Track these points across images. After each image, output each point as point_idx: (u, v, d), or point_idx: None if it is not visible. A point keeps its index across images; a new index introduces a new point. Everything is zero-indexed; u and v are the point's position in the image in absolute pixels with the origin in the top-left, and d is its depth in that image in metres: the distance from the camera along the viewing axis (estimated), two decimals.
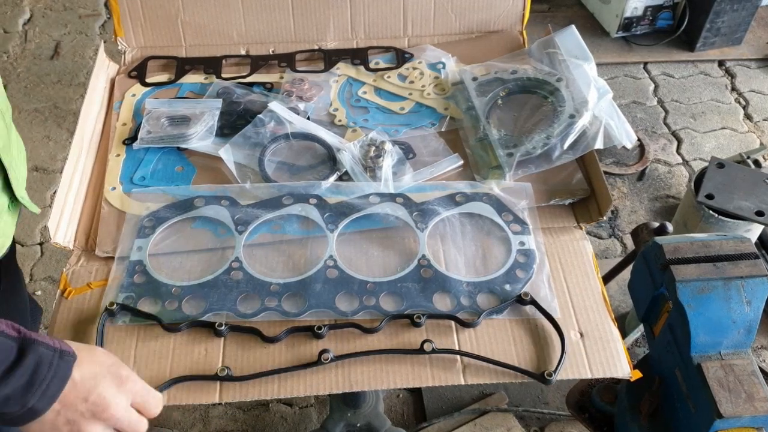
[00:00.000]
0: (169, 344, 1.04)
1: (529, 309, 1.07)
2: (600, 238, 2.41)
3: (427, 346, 1.01)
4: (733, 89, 2.92)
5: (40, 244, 2.36)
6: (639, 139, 2.65)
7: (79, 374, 0.79)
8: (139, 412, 0.85)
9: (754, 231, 1.97)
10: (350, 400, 1.61)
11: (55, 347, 0.78)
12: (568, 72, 1.35)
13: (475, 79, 1.40)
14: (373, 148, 1.27)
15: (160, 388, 0.97)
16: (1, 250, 1.11)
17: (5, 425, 0.77)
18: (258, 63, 1.49)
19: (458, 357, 1.03)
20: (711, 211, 1.90)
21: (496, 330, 1.06)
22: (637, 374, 1.01)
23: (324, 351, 1.01)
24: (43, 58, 3.03)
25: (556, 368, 1.00)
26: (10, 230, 1.13)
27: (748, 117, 2.82)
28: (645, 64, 3.01)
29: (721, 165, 1.98)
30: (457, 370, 1.02)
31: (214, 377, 0.99)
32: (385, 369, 1.02)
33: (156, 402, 0.88)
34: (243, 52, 1.52)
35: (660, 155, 2.66)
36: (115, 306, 1.05)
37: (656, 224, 1.38)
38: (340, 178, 1.26)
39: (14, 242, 1.20)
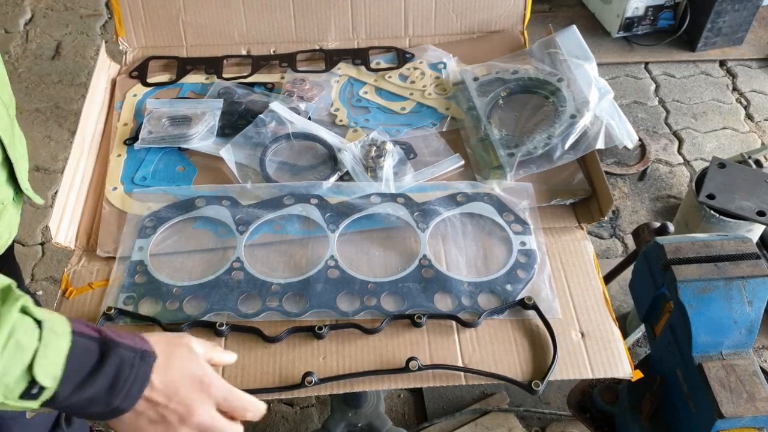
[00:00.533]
0: None
1: (531, 311, 1.07)
2: (601, 238, 2.40)
3: (412, 365, 0.99)
4: (735, 89, 2.92)
5: (42, 244, 2.36)
6: (640, 139, 2.65)
7: (158, 377, 0.78)
8: (232, 417, 0.83)
9: (756, 231, 1.96)
10: (351, 400, 1.61)
11: (136, 348, 0.77)
12: (569, 72, 1.34)
13: (476, 79, 1.40)
14: (374, 148, 1.27)
15: None
16: (9, 241, 1.11)
17: (92, 419, 0.77)
18: (259, 63, 1.49)
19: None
20: (712, 211, 1.90)
21: (497, 330, 1.06)
22: (638, 374, 1.01)
23: (308, 374, 0.99)
24: (45, 58, 3.03)
25: (544, 378, 0.99)
26: (16, 221, 1.13)
27: (749, 117, 2.82)
28: (646, 64, 3.01)
29: (722, 165, 1.98)
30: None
31: None
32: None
33: (243, 404, 0.83)
34: (244, 52, 1.52)
35: (661, 155, 2.66)
36: (113, 311, 1.05)
37: (657, 224, 1.38)
38: (341, 178, 1.26)
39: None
